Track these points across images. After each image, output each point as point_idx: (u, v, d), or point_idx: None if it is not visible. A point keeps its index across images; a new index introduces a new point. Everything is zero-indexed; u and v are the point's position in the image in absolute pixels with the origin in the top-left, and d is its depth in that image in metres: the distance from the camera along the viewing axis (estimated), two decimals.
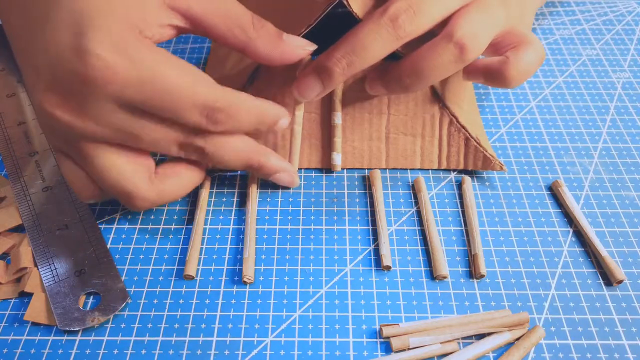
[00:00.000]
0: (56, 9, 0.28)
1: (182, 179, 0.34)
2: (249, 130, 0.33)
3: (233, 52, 0.41)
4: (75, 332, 0.31)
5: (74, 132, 0.30)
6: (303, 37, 0.34)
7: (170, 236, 0.36)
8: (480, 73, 0.35)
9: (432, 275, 0.34)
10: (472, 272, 0.34)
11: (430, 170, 0.40)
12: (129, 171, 0.31)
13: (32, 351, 0.31)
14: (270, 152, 0.35)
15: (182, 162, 0.34)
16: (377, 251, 0.35)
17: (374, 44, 0.32)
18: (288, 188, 0.39)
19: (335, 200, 0.38)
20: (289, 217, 0.37)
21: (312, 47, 0.34)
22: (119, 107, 0.29)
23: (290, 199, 0.38)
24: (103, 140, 0.30)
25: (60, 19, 0.28)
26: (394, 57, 0.36)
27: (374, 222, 0.37)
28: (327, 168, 0.40)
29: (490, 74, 0.34)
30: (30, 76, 0.30)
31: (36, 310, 0.32)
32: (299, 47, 0.33)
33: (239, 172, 0.40)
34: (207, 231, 0.36)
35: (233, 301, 0.33)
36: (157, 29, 0.30)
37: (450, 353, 0.30)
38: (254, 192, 0.38)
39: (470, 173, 0.40)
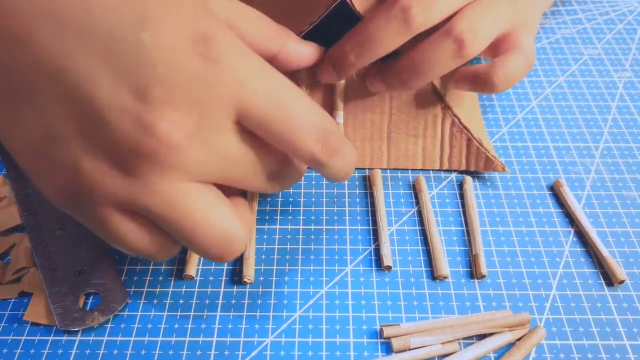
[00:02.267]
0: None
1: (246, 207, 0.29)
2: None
3: None
4: (75, 332, 0.31)
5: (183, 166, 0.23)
6: (306, 34, 0.34)
7: None
8: (469, 80, 0.34)
9: (433, 275, 0.34)
10: (473, 272, 0.34)
11: (431, 170, 0.40)
12: (226, 210, 0.25)
13: (32, 351, 0.31)
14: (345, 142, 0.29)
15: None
16: (377, 251, 0.35)
17: (384, 37, 0.31)
18: (288, 188, 0.39)
19: (335, 200, 0.38)
20: (289, 217, 0.37)
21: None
22: (238, 131, 0.25)
23: (291, 199, 0.38)
24: (203, 178, 0.25)
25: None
26: (395, 53, 0.36)
27: (374, 222, 0.37)
28: None
29: (477, 80, 0.34)
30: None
31: (36, 310, 0.32)
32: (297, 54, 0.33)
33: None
34: None
35: (233, 301, 0.33)
36: None
37: (451, 353, 0.30)
38: (254, 192, 0.38)
39: (471, 173, 0.40)
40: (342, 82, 0.37)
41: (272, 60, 0.32)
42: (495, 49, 0.35)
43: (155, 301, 0.33)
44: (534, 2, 0.40)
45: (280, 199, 0.38)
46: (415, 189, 0.39)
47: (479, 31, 0.32)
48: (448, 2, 0.32)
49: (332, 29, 0.38)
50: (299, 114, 0.25)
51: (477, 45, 0.32)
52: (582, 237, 0.36)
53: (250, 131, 0.25)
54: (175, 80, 0.22)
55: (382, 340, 0.31)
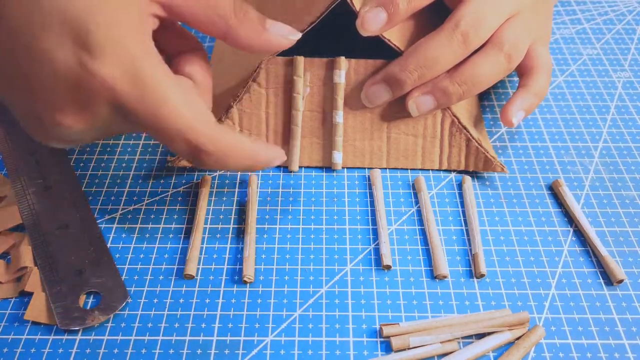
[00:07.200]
0: (41, 18, 0.25)
1: (244, 138, 0.31)
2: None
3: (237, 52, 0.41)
4: (75, 332, 0.31)
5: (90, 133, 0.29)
6: (305, 34, 0.34)
7: (171, 236, 0.36)
8: (527, 110, 0.38)
9: (433, 274, 0.34)
10: (472, 271, 0.34)
11: (430, 170, 0.40)
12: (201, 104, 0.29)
13: (33, 350, 0.31)
14: (265, 146, 0.32)
15: None
16: (377, 250, 0.35)
17: (446, 57, 0.35)
18: (288, 187, 0.39)
19: (335, 199, 0.38)
20: (289, 217, 0.37)
21: (297, 35, 0.32)
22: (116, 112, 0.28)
23: (291, 199, 0.38)
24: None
25: (51, 30, 0.25)
26: (392, 55, 0.36)
27: (374, 222, 0.37)
28: (327, 167, 0.40)
29: (532, 106, 0.38)
30: (26, 102, 0.28)
31: (36, 310, 0.32)
32: (282, 37, 0.32)
33: (239, 171, 0.40)
34: (207, 231, 0.36)
35: (233, 300, 0.33)
36: (147, 19, 0.28)
37: (451, 352, 0.30)
38: (254, 191, 0.38)
39: (471, 172, 0.40)
40: (343, 81, 0.37)
41: (226, 38, 0.31)
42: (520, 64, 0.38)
43: (155, 300, 0.33)
44: (549, 10, 0.42)
45: (280, 199, 0.38)
46: (414, 189, 0.39)
47: (520, 47, 0.36)
48: (492, 23, 0.35)
49: (333, 30, 0.38)
50: (171, 124, 0.28)
51: (520, 59, 0.36)
52: (581, 237, 0.36)
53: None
54: None
55: (382, 339, 0.31)
